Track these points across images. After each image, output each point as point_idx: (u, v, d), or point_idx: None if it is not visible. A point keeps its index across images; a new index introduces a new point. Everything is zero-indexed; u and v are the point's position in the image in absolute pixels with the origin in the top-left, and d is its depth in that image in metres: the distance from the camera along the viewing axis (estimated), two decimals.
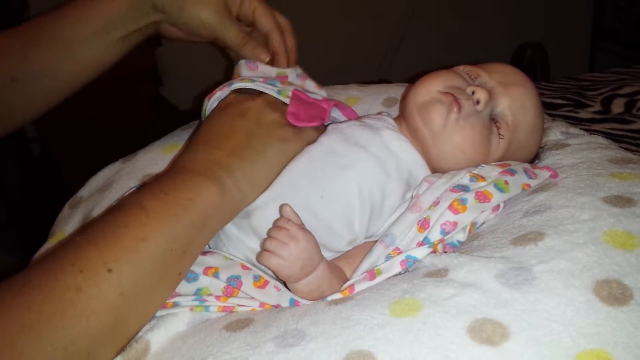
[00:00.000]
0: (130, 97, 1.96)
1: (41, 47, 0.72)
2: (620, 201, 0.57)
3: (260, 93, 0.70)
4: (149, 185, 0.58)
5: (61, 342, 0.46)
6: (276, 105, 0.68)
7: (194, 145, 0.64)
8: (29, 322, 0.45)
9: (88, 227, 0.54)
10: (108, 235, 0.51)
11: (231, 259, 0.63)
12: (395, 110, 0.84)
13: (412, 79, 0.76)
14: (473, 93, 0.68)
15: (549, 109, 1.27)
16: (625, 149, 0.75)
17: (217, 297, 0.59)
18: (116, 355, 0.52)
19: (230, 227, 0.65)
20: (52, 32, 0.73)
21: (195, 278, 0.60)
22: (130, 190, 0.70)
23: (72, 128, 1.91)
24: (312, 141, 0.68)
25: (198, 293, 0.59)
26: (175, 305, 0.58)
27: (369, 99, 0.91)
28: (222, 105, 0.69)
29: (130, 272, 0.50)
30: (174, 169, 0.61)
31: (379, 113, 0.78)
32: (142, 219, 0.53)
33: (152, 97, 2.02)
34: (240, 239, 0.64)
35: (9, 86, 0.70)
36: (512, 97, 0.70)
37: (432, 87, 0.70)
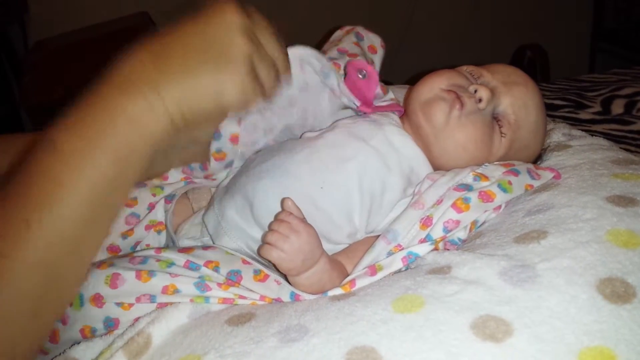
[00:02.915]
0: None
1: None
2: (622, 201, 0.57)
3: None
4: (70, 110, 0.51)
5: None
6: (252, 29, 0.55)
7: (141, 47, 0.54)
8: None
9: (14, 166, 0.49)
10: (23, 182, 0.48)
11: (232, 254, 0.63)
12: None
13: (412, 80, 0.77)
14: (475, 91, 0.68)
15: (549, 110, 1.27)
16: (625, 149, 0.75)
17: (219, 285, 0.59)
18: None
19: (232, 215, 0.66)
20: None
21: (197, 268, 0.61)
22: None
23: None
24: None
25: (201, 279, 0.59)
26: (177, 292, 0.58)
27: None
28: (210, 4, 0.56)
29: (50, 221, 0.46)
30: (105, 80, 0.52)
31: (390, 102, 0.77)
32: (55, 159, 0.48)
33: None
34: (242, 228, 0.65)
35: None
36: (515, 96, 0.70)
37: (435, 85, 0.70)
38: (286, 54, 0.59)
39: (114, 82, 0.52)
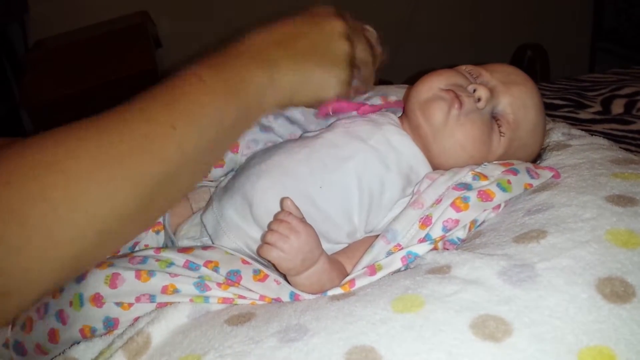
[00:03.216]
0: (131, 97, 1.96)
1: None
2: (622, 200, 0.57)
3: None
4: (207, 60, 0.61)
5: (132, 179, 0.51)
6: (352, 34, 0.67)
7: (262, 30, 0.65)
8: (104, 157, 0.50)
9: (153, 89, 0.58)
10: (171, 97, 0.56)
11: (231, 254, 0.63)
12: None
13: (412, 79, 0.77)
14: (474, 91, 0.68)
15: (549, 110, 1.27)
16: (625, 149, 0.75)
17: (219, 284, 0.59)
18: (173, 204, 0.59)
19: (231, 214, 0.66)
20: None
21: (197, 268, 0.61)
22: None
23: None
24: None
25: (201, 279, 0.60)
26: (176, 292, 0.59)
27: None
28: (314, 10, 0.69)
29: (189, 131, 0.54)
30: (234, 48, 0.63)
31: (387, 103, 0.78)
32: (200, 87, 0.57)
33: None
34: (241, 227, 0.65)
35: None
36: (513, 96, 0.70)
37: (433, 85, 0.70)
38: (375, 53, 0.72)
39: (244, 52, 0.62)
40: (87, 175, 0.49)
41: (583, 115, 1.26)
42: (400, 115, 0.75)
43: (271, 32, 0.65)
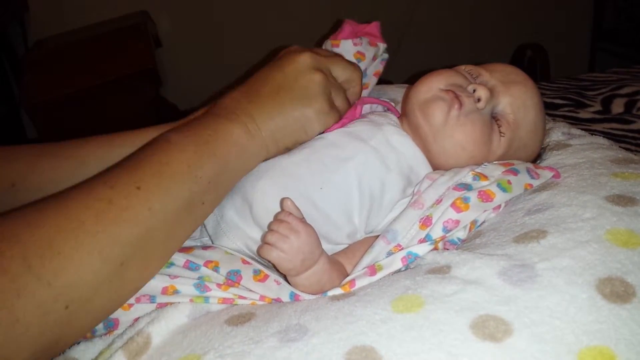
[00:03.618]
0: (131, 97, 1.96)
1: (54, 161, 0.73)
2: (622, 200, 0.57)
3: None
4: (176, 126, 0.61)
5: (96, 245, 0.49)
6: (322, 63, 0.67)
7: (231, 92, 0.66)
8: (66, 227, 0.49)
9: (121, 160, 0.58)
10: (136, 161, 0.56)
11: (232, 254, 0.63)
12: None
13: (412, 79, 0.77)
14: (474, 91, 0.68)
15: (549, 109, 1.27)
16: (626, 149, 0.75)
17: (219, 285, 0.59)
18: (145, 275, 0.56)
19: (231, 215, 0.66)
20: (71, 151, 0.75)
21: (197, 268, 0.61)
22: None
23: (72, 128, 1.91)
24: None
25: (201, 279, 0.60)
26: (176, 293, 0.59)
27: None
28: (281, 54, 0.70)
29: (156, 191, 0.54)
30: (203, 113, 0.64)
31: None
32: (166, 148, 0.57)
33: (152, 97, 2.03)
34: (241, 228, 0.65)
35: (8, 191, 0.70)
36: (513, 96, 0.70)
37: (433, 85, 0.70)
38: (356, 71, 0.72)
39: (217, 113, 0.62)
40: (48, 246, 0.47)
41: (583, 114, 1.25)
42: (398, 116, 0.75)
43: (239, 90, 0.66)
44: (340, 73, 0.70)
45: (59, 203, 0.51)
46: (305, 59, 0.66)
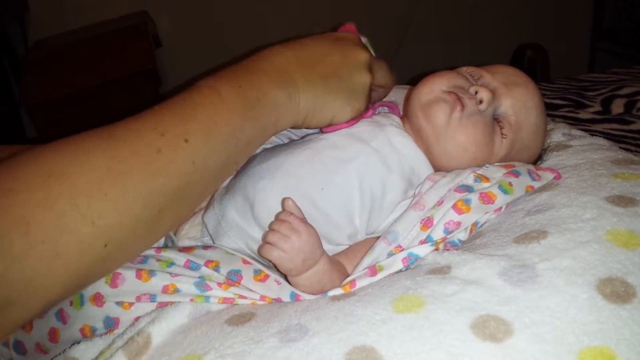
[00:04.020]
0: (131, 97, 1.96)
1: None
2: (622, 201, 0.57)
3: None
4: (225, 73, 0.61)
5: (141, 193, 0.51)
6: (374, 65, 0.69)
7: (285, 48, 0.65)
8: (115, 168, 0.50)
9: (167, 100, 0.57)
10: (186, 110, 0.55)
11: (232, 254, 0.63)
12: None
13: (413, 80, 0.77)
14: (476, 93, 0.68)
15: (549, 110, 1.27)
16: (625, 149, 0.75)
17: (219, 284, 0.59)
18: (176, 222, 0.58)
19: (232, 215, 0.66)
20: None
21: (197, 268, 0.61)
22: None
23: (72, 128, 1.91)
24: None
25: (201, 279, 0.60)
26: (177, 292, 0.59)
27: None
28: (340, 34, 0.70)
29: (202, 148, 0.54)
30: (254, 64, 0.63)
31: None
32: (217, 104, 0.57)
33: (152, 97, 2.03)
34: (242, 227, 0.65)
35: None
36: (515, 98, 0.70)
37: (435, 87, 0.70)
38: (392, 80, 0.73)
39: (265, 69, 0.62)
40: (96, 187, 0.48)
41: (583, 115, 1.25)
42: (401, 116, 0.75)
43: (294, 52, 0.64)
44: (381, 78, 0.70)
45: (109, 144, 0.51)
46: (365, 57, 0.66)
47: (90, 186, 0.48)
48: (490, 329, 0.46)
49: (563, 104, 1.32)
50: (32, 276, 0.45)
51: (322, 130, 0.70)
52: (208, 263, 0.61)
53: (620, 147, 0.75)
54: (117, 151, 0.50)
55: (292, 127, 0.65)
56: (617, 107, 1.28)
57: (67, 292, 0.50)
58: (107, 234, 0.49)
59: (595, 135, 0.79)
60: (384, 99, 0.78)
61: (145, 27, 2.08)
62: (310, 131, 0.75)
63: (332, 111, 0.65)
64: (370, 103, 0.72)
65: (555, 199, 0.61)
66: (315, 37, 0.68)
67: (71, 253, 0.47)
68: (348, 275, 0.61)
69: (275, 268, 0.61)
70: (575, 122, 1.18)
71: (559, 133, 0.81)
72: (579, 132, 0.81)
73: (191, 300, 0.58)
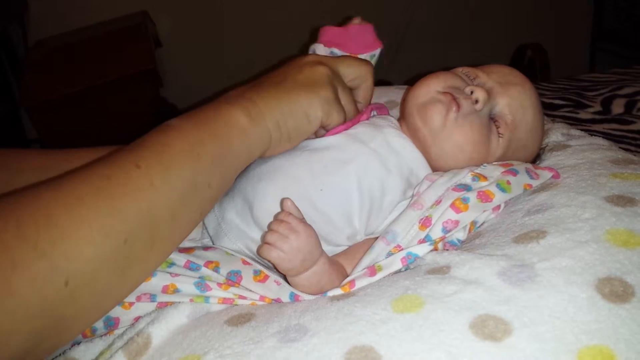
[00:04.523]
0: (131, 97, 1.96)
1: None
2: (621, 200, 0.58)
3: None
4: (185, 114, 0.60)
5: (96, 219, 0.47)
6: (327, 61, 0.67)
7: (239, 87, 0.65)
8: (64, 200, 0.47)
9: (117, 147, 0.57)
10: (135, 144, 0.55)
11: (232, 255, 0.63)
12: (395, 113, 0.84)
13: (412, 80, 0.77)
14: (472, 93, 0.69)
15: (549, 110, 1.28)
16: (625, 149, 0.75)
17: (219, 284, 0.59)
18: (152, 251, 0.53)
19: (232, 216, 0.66)
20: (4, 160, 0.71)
21: (197, 268, 0.61)
22: None
23: (72, 129, 1.92)
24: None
25: (201, 279, 0.60)
26: (177, 292, 0.59)
27: None
28: (297, 59, 0.69)
29: (157, 168, 0.52)
30: (209, 102, 0.62)
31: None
32: (166, 131, 0.56)
33: (152, 97, 2.03)
34: (242, 229, 0.66)
35: None
36: (511, 97, 0.70)
37: (431, 87, 0.70)
38: (363, 65, 0.70)
39: (217, 101, 0.61)
40: (45, 217, 0.45)
41: (583, 115, 1.26)
42: (397, 119, 0.75)
43: (246, 85, 0.65)
44: (348, 71, 0.68)
45: (57, 181, 0.49)
46: (308, 57, 0.66)
47: (38, 216, 0.45)
48: (490, 328, 0.46)
49: (563, 104, 1.32)
50: None
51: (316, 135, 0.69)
52: (208, 264, 0.61)
53: (620, 147, 0.75)
54: (65, 185, 0.49)
55: (271, 144, 0.62)
56: (617, 107, 1.28)
57: (40, 339, 0.45)
58: (64, 266, 0.45)
59: (595, 135, 0.79)
60: (383, 100, 0.78)
61: (145, 27, 2.08)
62: None
63: (301, 109, 0.62)
64: (366, 97, 0.71)
65: (555, 199, 0.61)
66: (281, 66, 0.68)
67: (27, 290, 0.43)
68: (347, 276, 0.61)
69: (275, 268, 0.61)
70: (575, 122, 1.18)
71: (557, 133, 0.81)
72: (578, 132, 0.81)
73: (191, 300, 0.58)
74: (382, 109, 0.77)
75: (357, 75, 0.70)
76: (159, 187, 0.51)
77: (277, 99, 0.61)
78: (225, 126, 0.58)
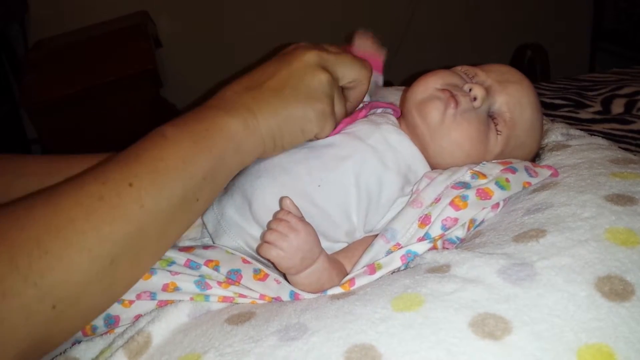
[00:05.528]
0: (131, 98, 1.96)
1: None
2: (621, 199, 0.58)
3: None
4: (174, 119, 0.60)
5: (86, 244, 0.48)
6: (329, 62, 0.66)
7: (233, 82, 0.64)
8: (55, 225, 0.48)
9: (114, 154, 0.56)
10: (129, 156, 0.54)
11: (232, 254, 0.63)
12: None
13: (410, 80, 0.77)
14: (470, 90, 0.69)
15: (549, 110, 1.28)
16: (625, 149, 0.75)
17: (219, 283, 0.59)
18: (137, 273, 0.55)
19: (231, 214, 0.66)
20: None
21: (197, 267, 0.61)
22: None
23: (72, 129, 1.92)
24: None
25: (201, 277, 0.60)
26: (177, 290, 0.59)
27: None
28: (287, 49, 0.68)
29: (150, 187, 0.52)
30: (203, 105, 0.62)
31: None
32: (161, 143, 0.55)
33: (153, 98, 2.03)
34: (241, 226, 0.66)
35: None
36: (509, 95, 0.71)
37: (429, 85, 0.71)
38: (363, 69, 0.69)
39: (216, 105, 0.60)
40: (36, 245, 0.46)
41: (583, 115, 1.26)
42: (398, 115, 0.76)
43: (241, 82, 0.63)
44: (347, 73, 0.68)
45: (49, 199, 0.50)
46: (312, 57, 0.64)
47: (30, 244, 0.46)
48: (489, 327, 0.46)
49: (563, 104, 1.32)
50: None
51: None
52: (208, 262, 0.61)
53: (620, 147, 0.75)
54: (57, 205, 0.49)
55: (264, 154, 0.63)
56: (617, 107, 1.28)
57: (26, 357, 0.47)
58: (53, 294, 0.46)
59: (595, 135, 0.79)
60: (384, 100, 0.78)
61: (145, 28, 2.09)
62: None
63: (297, 123, 0.62)
64: (354, 101, 0.71)
65: (554, 198, 0.61)
66: (264, 62, 0.66)
67: (16, 317, 0.44)
68: (347, 274, 0.61)
69: (275, 267, 0.61)
70: (575, 122, 1.18)
71: (557, 133, 0.81)
72: (577, 132, 0.81)
73: (191, 298, 0.58)
74: (396, 110, 0.76)
75: (355, 78, 0.69)
76: (149, 208, 0.52)
77: (275, 113, 0.61)
78: (221, 140, 0.58)
